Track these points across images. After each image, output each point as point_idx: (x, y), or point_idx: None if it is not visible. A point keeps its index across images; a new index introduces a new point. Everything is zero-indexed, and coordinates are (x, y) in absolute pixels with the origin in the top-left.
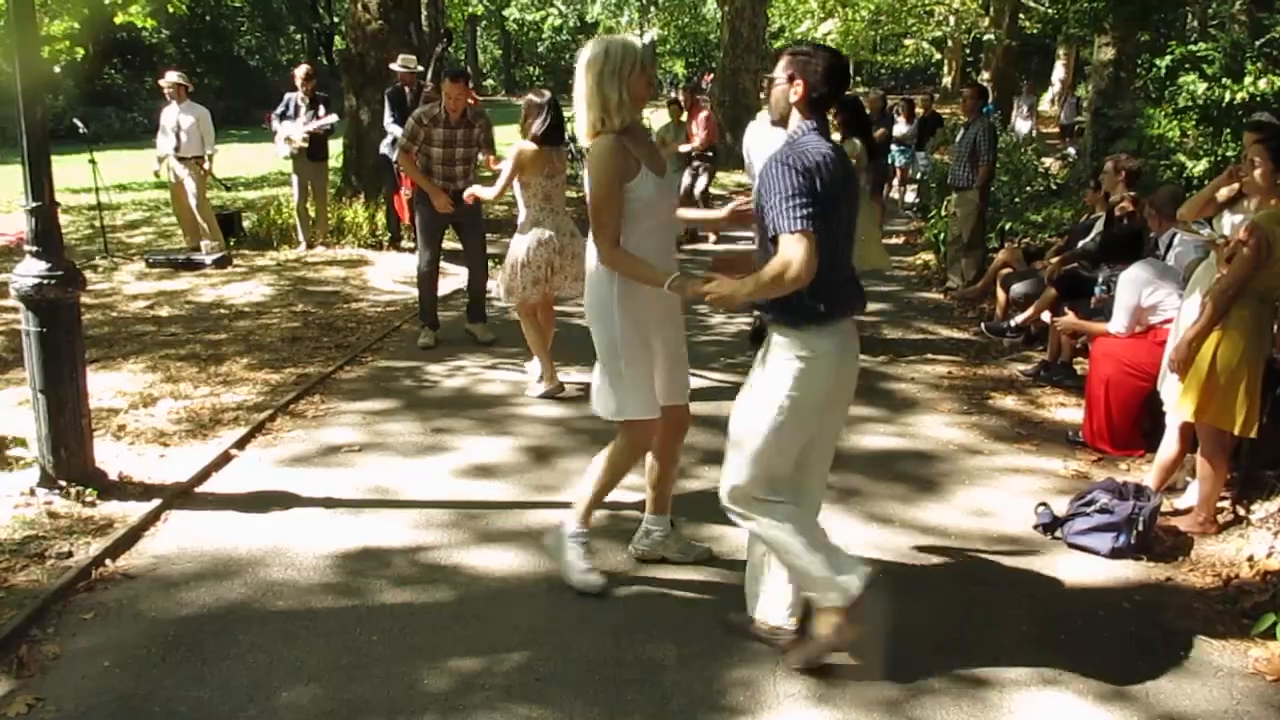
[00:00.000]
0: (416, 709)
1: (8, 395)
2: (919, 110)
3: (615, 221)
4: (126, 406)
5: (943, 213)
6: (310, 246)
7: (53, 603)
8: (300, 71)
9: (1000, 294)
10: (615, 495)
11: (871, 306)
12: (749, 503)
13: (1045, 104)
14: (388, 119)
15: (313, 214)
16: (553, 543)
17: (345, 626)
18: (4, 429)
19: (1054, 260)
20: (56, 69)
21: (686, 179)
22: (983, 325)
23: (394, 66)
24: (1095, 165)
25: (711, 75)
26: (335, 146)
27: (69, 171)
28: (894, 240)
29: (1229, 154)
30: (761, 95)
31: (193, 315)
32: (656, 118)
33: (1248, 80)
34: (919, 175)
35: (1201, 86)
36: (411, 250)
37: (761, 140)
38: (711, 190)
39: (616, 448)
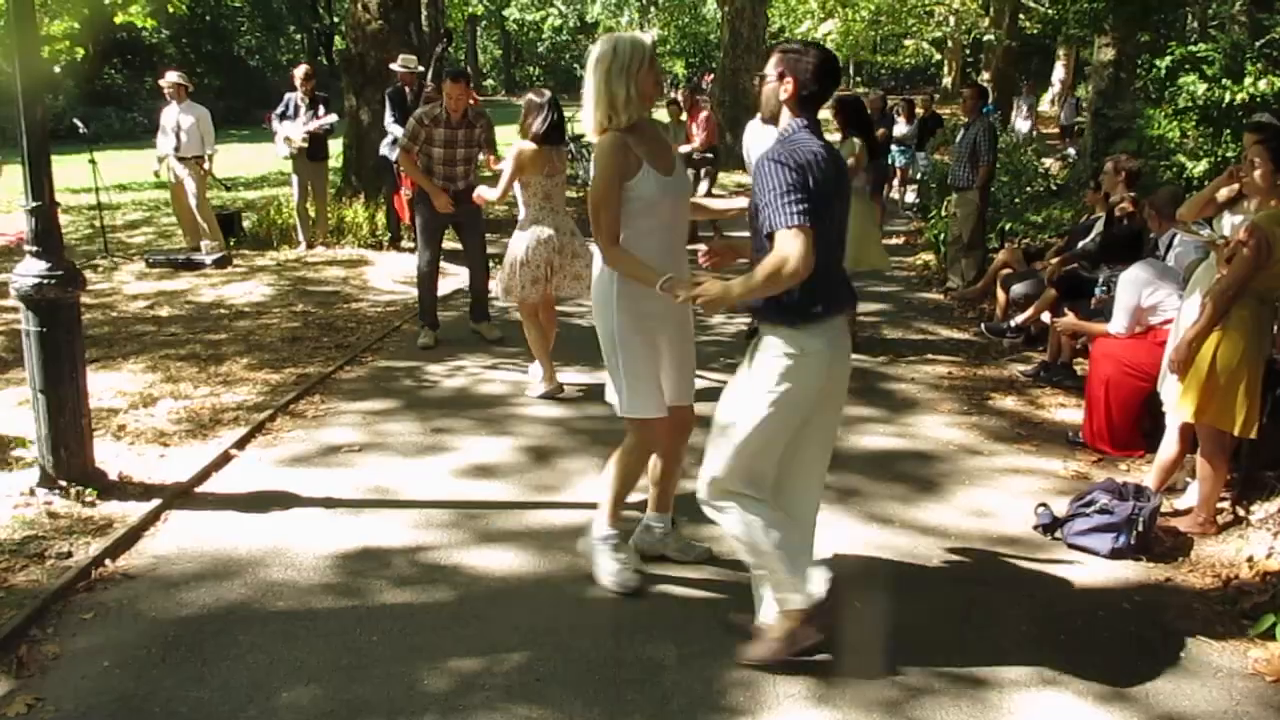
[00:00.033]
0: (416, 709)
1: (8, 395)
2: (919, 110)
3: (613, 219)
4: (126, 406)
5: (943, 213)
6: (310, 246)
7: (52, 603)
8: (299, 71)
9: (1000, 294)
10: None
11: (871, 307)
12: (724, 495)
13: (1045, 104)
14: (388, 119)
15: (313, 214)
16: (584, 547)
17: (345, 627)
18: (4, 429)
19: (1054, 261)
20: (56, 69)
21: None
22: (983, 326)
23: (394, 66)
24: (1095, 166)
25: (712, 75)
26: (335, 146)
27: (69, 171)
28: (894, 240)
29: (1229, 155)
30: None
31: (193, 315)
32: (656, 118)
33: (1248, 81)
34: (919, 175)
35: (1201, 87)
36: (411, 250)
37: (761, 139)
38: (715, 192)
39: (625, 447)
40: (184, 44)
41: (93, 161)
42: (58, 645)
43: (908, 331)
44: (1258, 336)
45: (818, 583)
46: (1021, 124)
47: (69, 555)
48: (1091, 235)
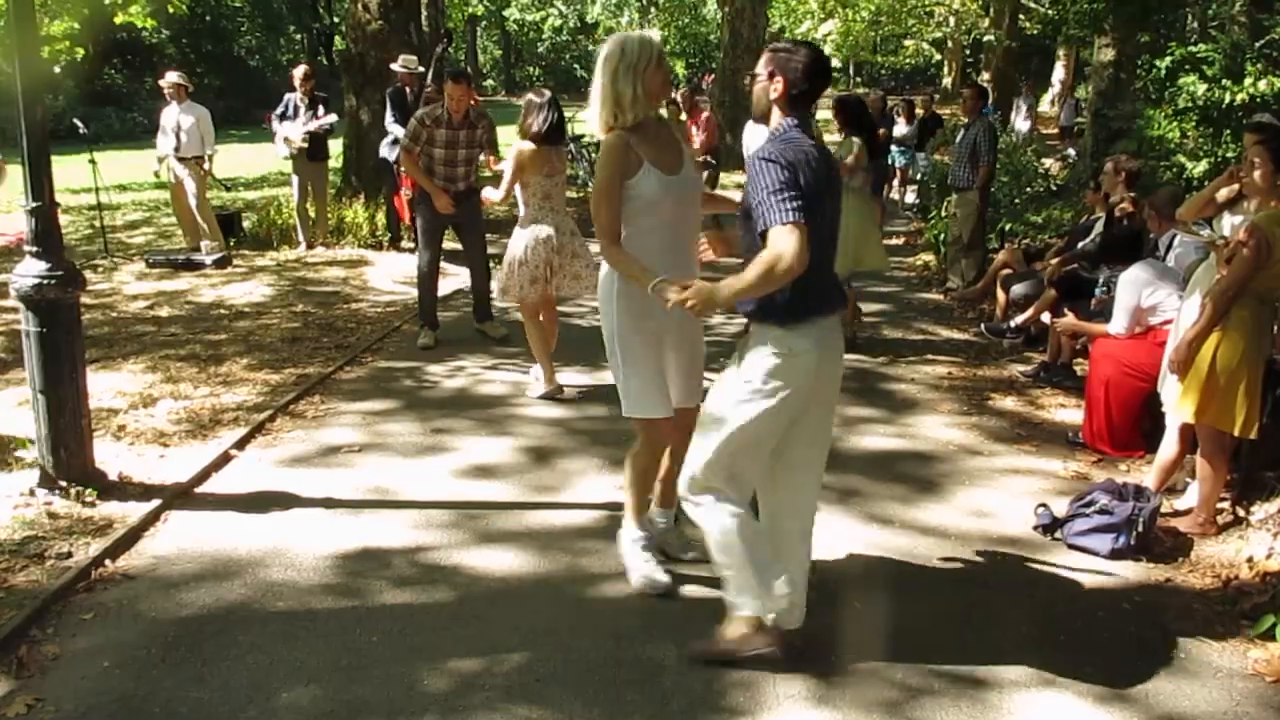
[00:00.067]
0: (416, 710)
1: (8, 395)
2: (919, 111)
3: (612, 218)
4: (126, 407)
5: (943, 213)
6: (310, 247)
7: (52, 603)
8: (298, 72)
9: (1000, 295)
10: (614, 496)
11: (871, 307)
12: (703, 490)
13: (1045, 105)
14: (389, 118)
15: (313, 214)
16: (619, 548)
17: (345, 627)
18: (4, 429)
19: (1054, 261)
20: (56, 69)
21: None
22: (983, 326)
23: (395, 67)
24: (1095, 166)
25: (712, 76)
26: (335, 147)
27: (69, 172)
28: (894, 241)
29: (1229, 155)
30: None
31: (193, 315)
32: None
33: (1248, 81)
34: (919, 176)
35: (1201, 88)
36: (411, 250)
37: (759, 139)
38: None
39: (634, 448)
40: (184, 44)
41: (93, 162)
42: (58, 646)
43: (908, 332)
44: (1258, 337)
45: (779, 600)
46: (1021, 124)
47: (69, 555)
48: (1091, 236)
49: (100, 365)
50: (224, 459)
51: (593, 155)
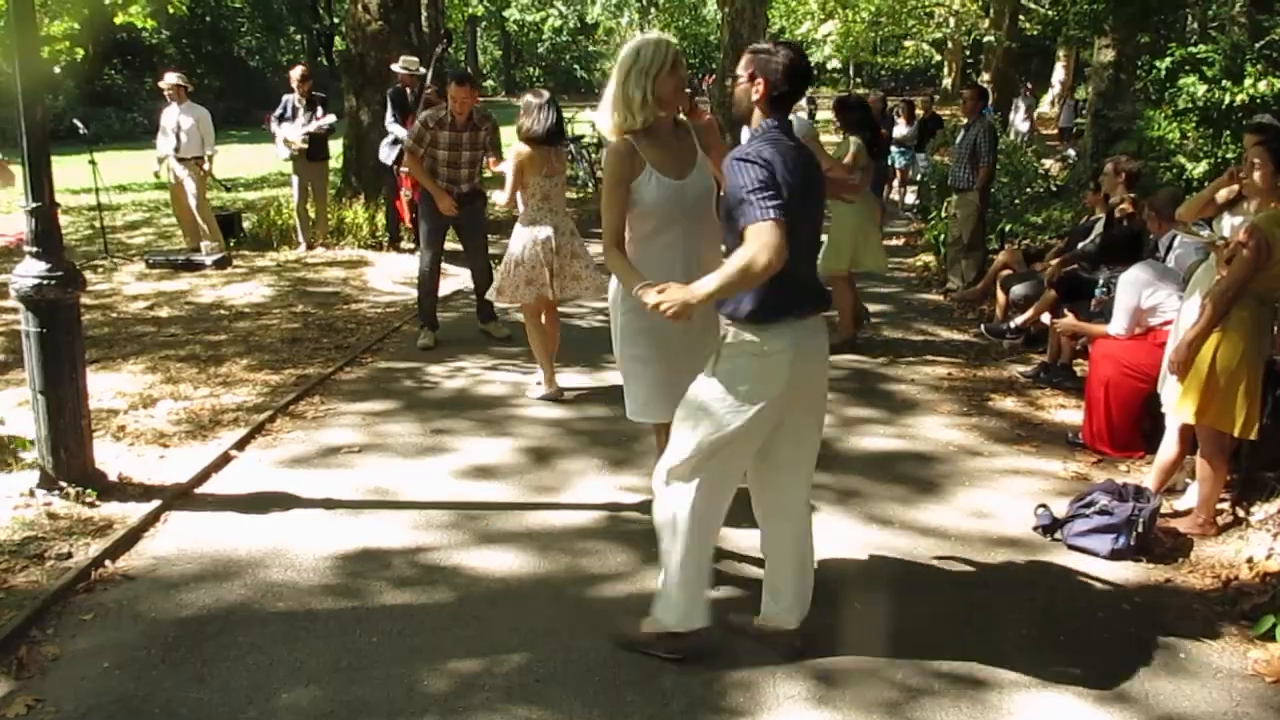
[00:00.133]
0: (416, 710)
1: (8, 396)
2: (919, 112)
3: (614, 221)
4: (126, 407)
5: (943, 214)
6: (310, 247)
7: (52, 604)
8: (296, 73)
9: (1000, 295)
10: (614, 497)
11: (872, 307)
12: (667, 486)
13: (1045, 105)
14: (389, 118)
15: (313, 215)
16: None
17: (345, 628)
18: (4, 430)
19: (1054, 262)
20: (56, 69)
21: None
22: (982, 327)
23: (395, 68)
24: (1095, 167)
25: (712, 77)
26: (335, 147)
27: (69, 172)
28: (894, 242)
29: (1229, 156)
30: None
31: (192, 316)
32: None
33: (1247, 82)
34: (919, 177)
35: (1201, 88)
36: (410, 251)
37: None
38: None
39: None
40: (184, 44)
41: (93, 162)
42: (57, 646)
43: (908, 332)
44: (1257, 337)
45: (697, 617)
46: (1020, 125)
47: (69, 556)
48: (1091, 236)
49: (100, 366)
50: (224, 459)
51: (592, 156)
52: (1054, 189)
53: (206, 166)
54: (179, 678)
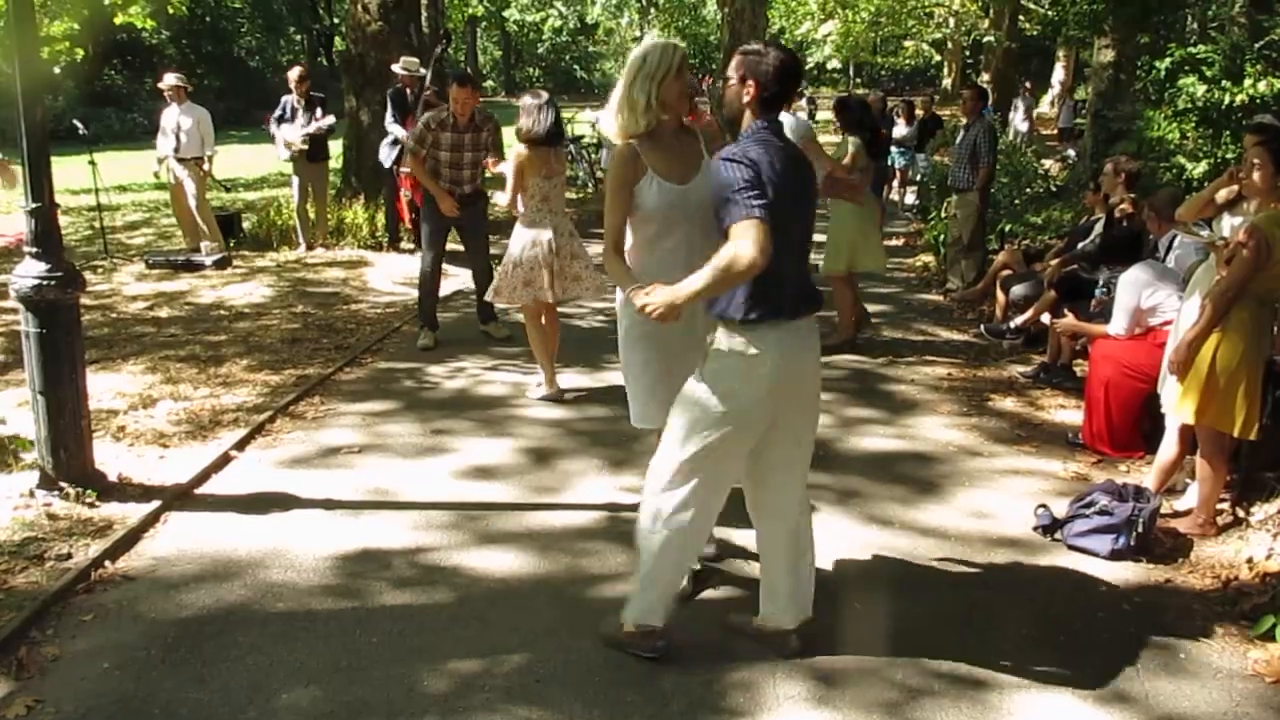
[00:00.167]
0: (416, 711)
1: (8, 396)
2: (919, 112)
3: (615, 225)
4: (126, 408)
5: (943, 214)
6: (310, 248)
7: (52, 604)
8: (293, 73)
9: (1000, 296)
10: (614, 497)
11: (872, 308)
12: (663, 488)
13: (1044, 106)
14: (389, 119)
15: (313, 215)
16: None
17: (345, 628)
18: (4, 430)
19: (1054, 262)
20: (56, 70)
21: None
22: (982, 327)
23: (396, 68)
24: (1095, 167)
25: (712, 78)
26: (335, 148)
27: (69, 172)
28: (894, 242)
29: (1228, 156)
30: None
31: (192, 316)
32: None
33: (1247, 83)
34: (919, 177)
35: (1201, 89)
36: (410, 252)
37: None
38: None
39: None
40: (184, 45)
41: (92, 162)
42: (57, 647)
43: (907, 333)
44: (1257, 338)
45: (657, 615)
46: (1020, 125)
47: (69, 557)
48: (1091, 237)
49: (100, 366)
50: (224, 460)
51: (592, 156)
52: (1054, 189)
53: (206, 167)
54: (179, 678)
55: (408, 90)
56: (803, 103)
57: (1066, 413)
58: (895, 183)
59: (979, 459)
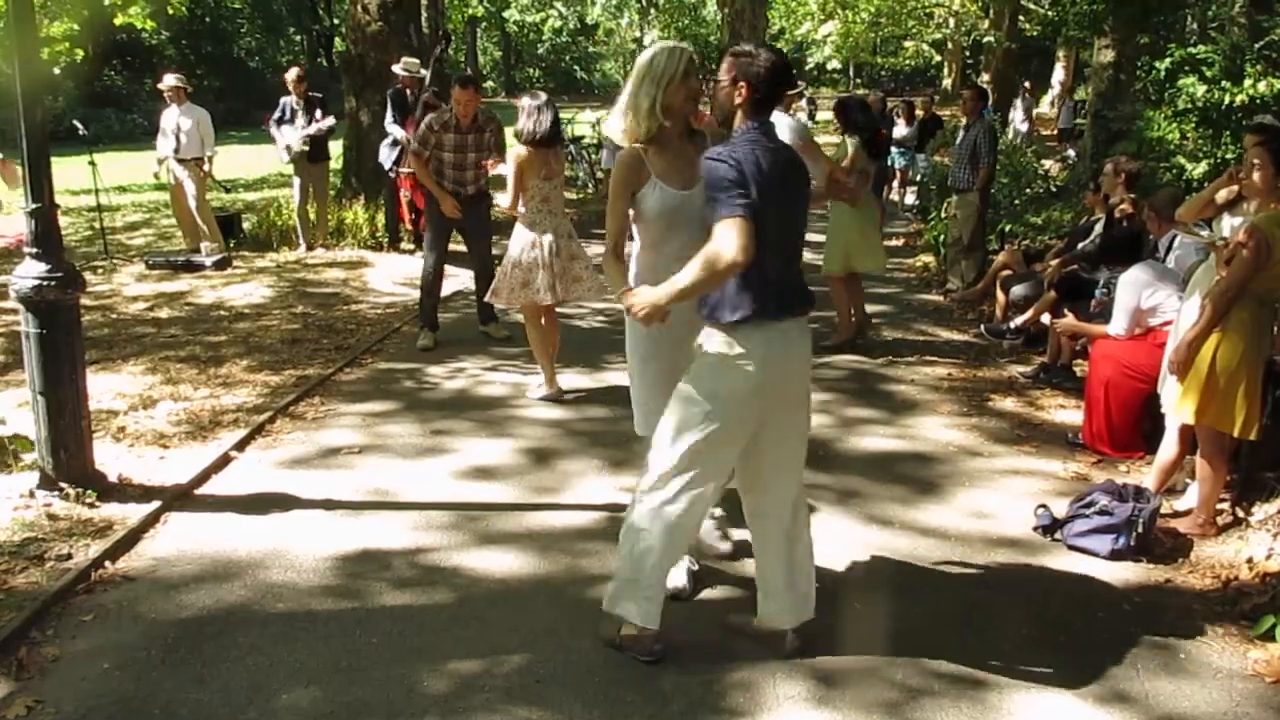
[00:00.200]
0: (416, 711)
1: (8, 396)
2: (919, 112)
3: (615, 228)
4: (126, 408)
5: (943, 215)
6: (310, 248)
7: (52, 605)
8: (291, 74)
9: (1000, 296)
10: (614, 497)
11: (872, 308)
12: (654, 489)
13: (1044, 106)
14: (389, 120)
15: (313, 216)
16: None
17: (345, 629)
18: (4, 430)
19: (1054, 262)
20: (56, 70)
21: None
22: (982, 327)
23: (396, 69)
24: (1095, 167)
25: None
26: (335, 148)
27: (69, 173)
28: (894, 242)
29: (1228, 156)
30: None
31: (192, 317)
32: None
33: (1247, 83)
34: (919, 177)
35: (1201, 89)
36: (410, 252)
37: None
38: None
39: None
40: (184, 45)
41: (92, 163)
42: (57, 647)
43: (907, 333)
44: (1257, 338)
45: (650, 617)
46: (1019, 125)
47: (69, 557)
48: (1091, 237)
49: (100, 367)
50: (224, 460)
51: (592, 157)
52: (1054, 189)
53: (206, 167)
54: (179, 679)
55: (408, 91)
56: (803, 103)
57: (1066, 413)
58: (895, 183)
59: (979, 459)
